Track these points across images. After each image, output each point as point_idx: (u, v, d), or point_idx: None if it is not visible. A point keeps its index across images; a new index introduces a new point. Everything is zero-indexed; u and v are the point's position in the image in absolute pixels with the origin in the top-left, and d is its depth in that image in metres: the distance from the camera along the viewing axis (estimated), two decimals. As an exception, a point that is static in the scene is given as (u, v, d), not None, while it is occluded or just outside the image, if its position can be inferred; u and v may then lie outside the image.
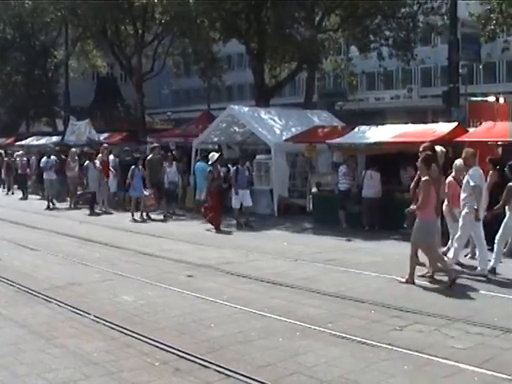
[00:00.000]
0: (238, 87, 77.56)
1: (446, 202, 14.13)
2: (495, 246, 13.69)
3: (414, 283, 12.44)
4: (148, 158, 24.92)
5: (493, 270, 13.38)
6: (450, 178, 14.27)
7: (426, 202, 12.27)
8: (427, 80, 65.77)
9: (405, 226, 13.96)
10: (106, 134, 37.66)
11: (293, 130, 25.18)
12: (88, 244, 17.47)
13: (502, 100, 28.08)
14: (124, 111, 42.74)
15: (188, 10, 30.83)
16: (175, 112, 69.11)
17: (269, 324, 9.72)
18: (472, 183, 13.42)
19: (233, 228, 20.83)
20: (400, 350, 8.46)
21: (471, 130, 20.50)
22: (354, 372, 7.68)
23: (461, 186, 14.00)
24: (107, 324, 9.62)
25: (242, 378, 7.48)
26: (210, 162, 20.89)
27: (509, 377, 7.55)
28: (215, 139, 28.42)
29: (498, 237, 13.75)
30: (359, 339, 8.84)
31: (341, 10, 34.20)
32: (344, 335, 9.03)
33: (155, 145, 26.61)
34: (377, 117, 47.64)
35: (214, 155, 20.91)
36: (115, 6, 35.74)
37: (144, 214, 23.52)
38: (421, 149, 13.21)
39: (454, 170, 14.40)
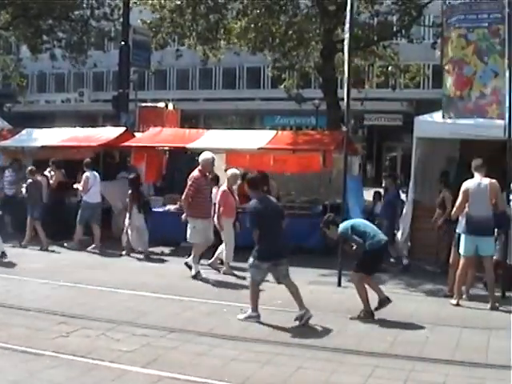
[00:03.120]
0: None
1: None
2: None
3: None
4: None
5: None
6: (223, 188, 14.43)
7: None
8: (99, 84, 65.72)
9: None
10: None
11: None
12: None
13: (171, 106, 28.82)
14: None
15: None
16: None
17: None
18: None
19: None
20: (66, 356, 8.31)
21: (138, 135, 20.76)
22: (18, 382, 7.41)
23: (234, 196, 14.50)
24: None
25: None
26: None
27: (173, 374, 7.76)
28: None
29: None
30: (23, 349, 8.52)
31: (11, 9, 33.05)
32: (6, 346, 8.65)
33: None
34: (47, 120, 46.76)
35: None
36: None
37: None
38: None
39: (227, 180, 14.66)
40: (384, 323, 10.42)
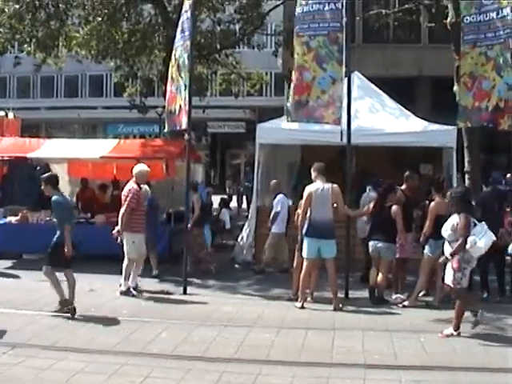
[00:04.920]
0: None
1: None
2: None
3: None
4: None
5: None
6: None
7: None
8: None
9: None
10: None
11: None
12: None
13: (11, 115, 27.99)
14: None
15: None
16: None
17: None
18: None
19: None
20: None
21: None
22: None
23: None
24: None
25: None
26: None
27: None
28: None
29: None
30: None
31: None
32: None
33: None
34: None
35: None
36: None
37: None
38: None
39: None
40: (230, 329, 10.51)
